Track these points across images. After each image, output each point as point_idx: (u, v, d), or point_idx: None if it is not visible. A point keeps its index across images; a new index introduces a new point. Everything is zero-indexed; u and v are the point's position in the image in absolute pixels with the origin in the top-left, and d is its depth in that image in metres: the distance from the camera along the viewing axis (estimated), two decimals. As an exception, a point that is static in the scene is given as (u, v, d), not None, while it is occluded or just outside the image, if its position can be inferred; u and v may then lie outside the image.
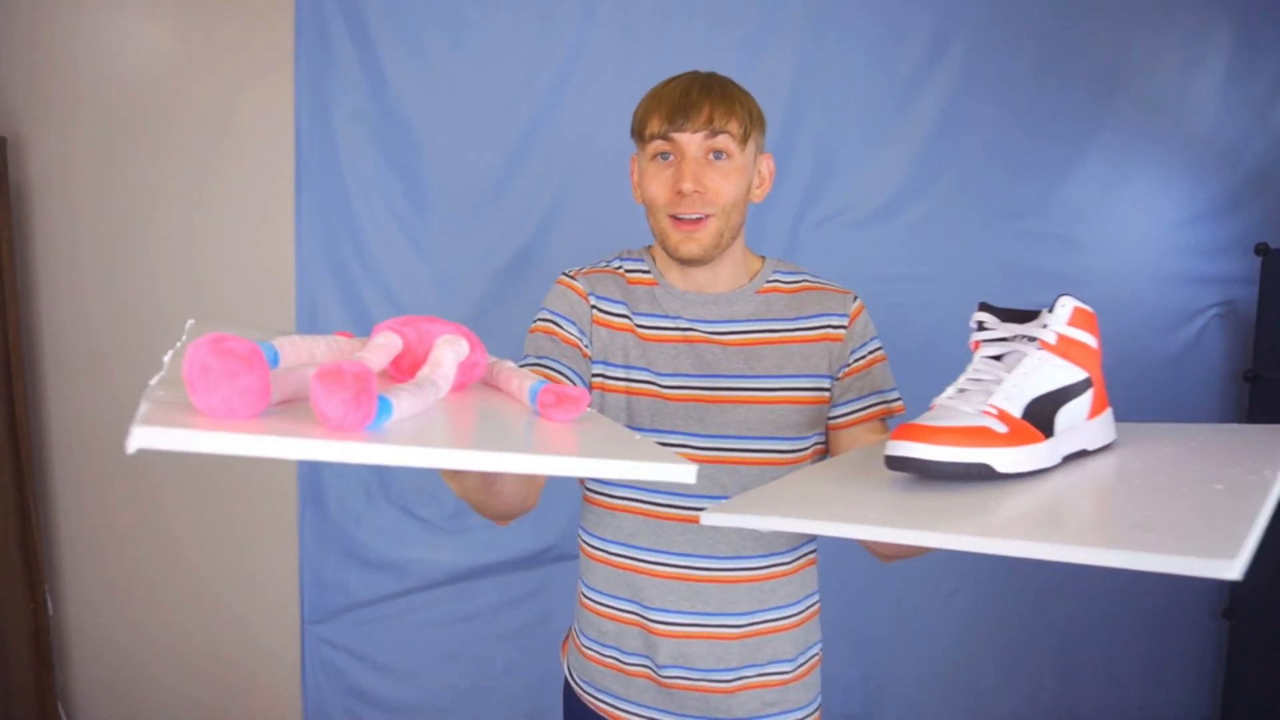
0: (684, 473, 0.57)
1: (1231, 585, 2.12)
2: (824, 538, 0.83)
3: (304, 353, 0.65)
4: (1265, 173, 2.07)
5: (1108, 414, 0.85)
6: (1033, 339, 0.79)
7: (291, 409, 0.55)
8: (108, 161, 1.86)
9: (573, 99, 1.90)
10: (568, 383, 1.03)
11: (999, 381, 0.76)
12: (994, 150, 2.00)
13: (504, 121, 1.89)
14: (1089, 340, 0.81)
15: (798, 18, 1.92)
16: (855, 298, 1.10)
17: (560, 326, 1.07)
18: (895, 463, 0.71)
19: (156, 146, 1.87)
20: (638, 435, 0.70)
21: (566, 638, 1.23)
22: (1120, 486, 0.74)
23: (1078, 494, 0.71)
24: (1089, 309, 0.82)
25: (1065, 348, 0.79)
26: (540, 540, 1.99)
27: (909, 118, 1.97)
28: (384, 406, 0.52)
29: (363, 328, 1.89)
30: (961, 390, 0.77)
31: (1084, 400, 0.80)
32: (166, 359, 0.61)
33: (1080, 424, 0.79)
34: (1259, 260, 2.03)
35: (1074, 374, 0.79)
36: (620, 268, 1.11)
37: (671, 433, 1.05)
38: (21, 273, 1.86)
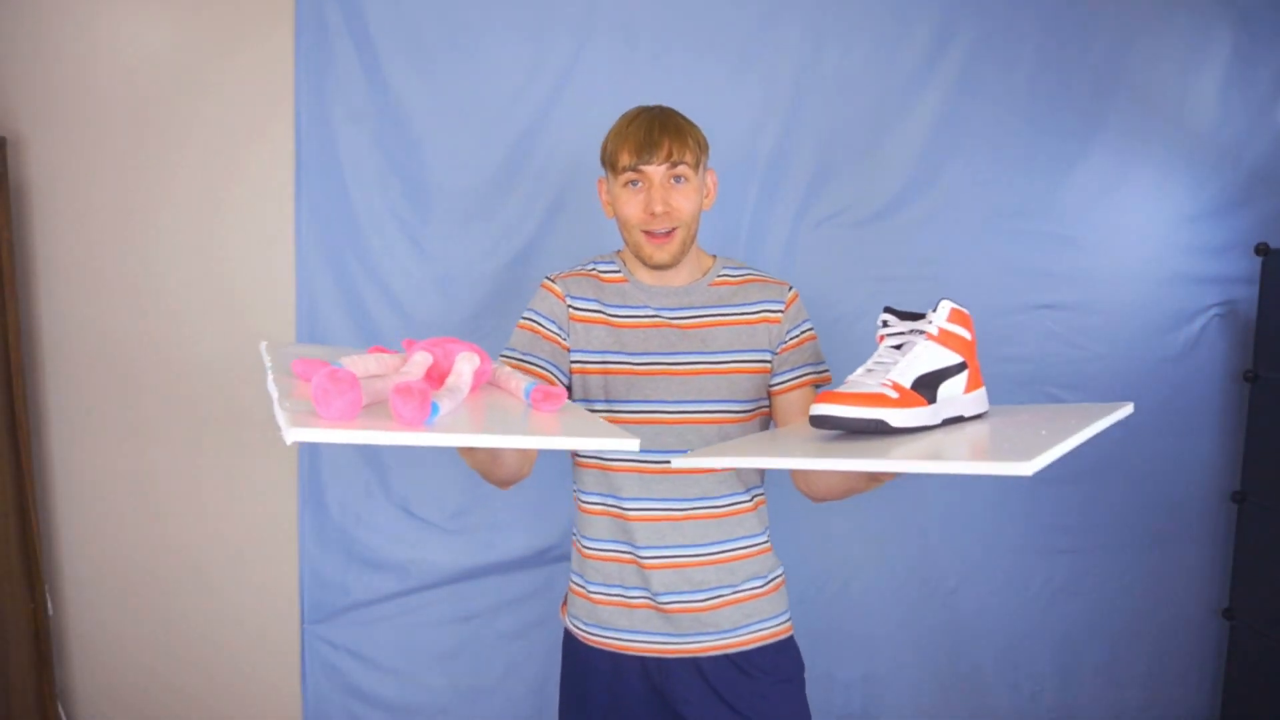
0: (630, 444, 0.88)
1: (1231, 585, 2.12)
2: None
3: (361, 368, 0.92)
4: (1265, 173, 2.07)
5: (981, 391, 1.11)
6: (921, 332, 1.06)
7: (372, 411, 0.82)
8: (108, 161, 1.86)
9: (572, 99, 1.90)
10: (551, 377, 1.29)
11: (895, 363, 1.03)
12: (994, 150, 2.00)
13: (504, 121, 1.89)
14: (964, 333, 1.08)
15: (798, 18, 1.92)
16: (790, 288, 1.35)
17: (542, 325, 1.32)
18: (816, 420, 0.96)
19: (156, 146, 1.87)
20: (599, 419, 1.01)
21: (564, 600, 1.42)
22: (976, 435, 1.01)
23: (945, 440, 0.98)
24: (964, 310, 1.09)
25: (945, 338, 1.05)
26: (540, 540, 1.99)
27: (909, 118, 1.97)
28: (434, 409, 0.81)
29: (362, 327, 1.90)
30: (869, 370, 1.04)
31: (960, 379, 1.06)
32: (271, 385, 0.87)
33: (958, 396, 1.05)
34: (1259, 260, 2.04)
35: (951, 358, 1.05)
36: (594, 269, 1.36)
37: (644, 401, 1.29)
38: (21, 272, 1.86)
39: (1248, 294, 2.07)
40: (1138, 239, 2.06)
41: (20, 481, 1.81)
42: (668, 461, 1.16)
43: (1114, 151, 2.03)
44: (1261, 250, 2.03)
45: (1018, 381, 2.02)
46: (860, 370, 1.04)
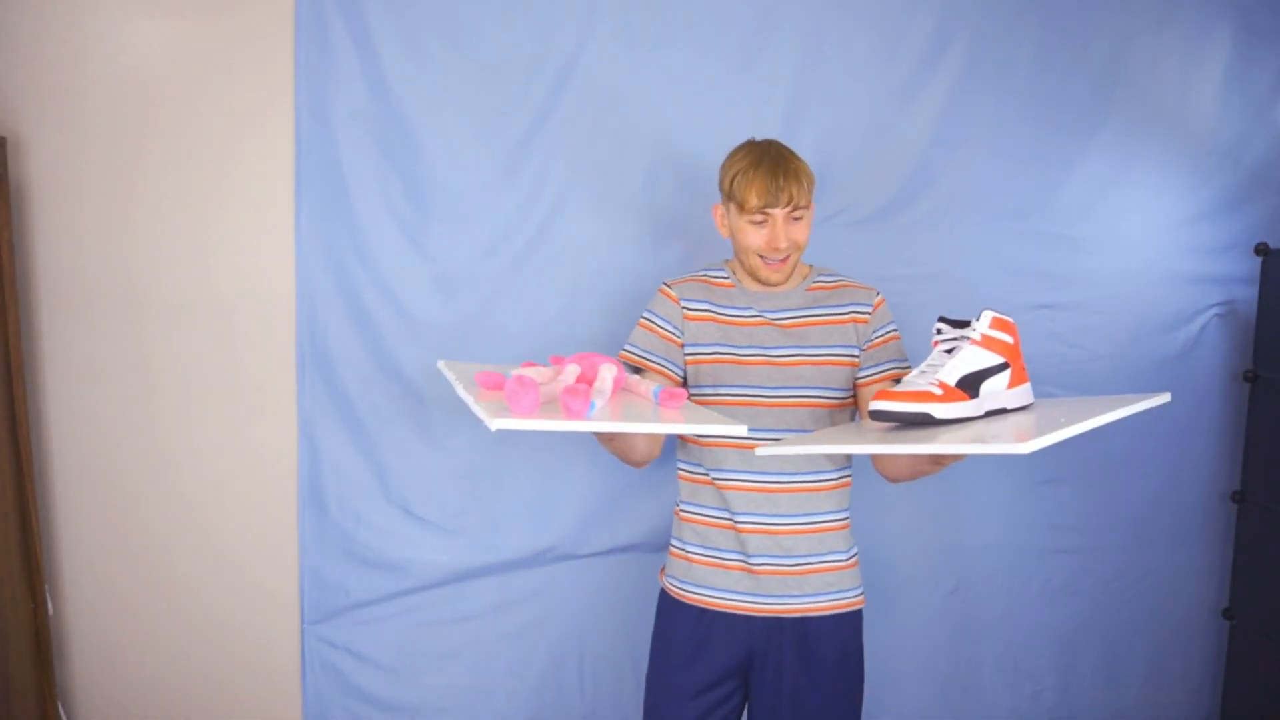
0: (739, 429, 1.16)
1: (1231, 585, 2.13)
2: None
3: (533, 376, 1.17)
4: (1265, 173, 2.07)
5: (1026, 386, 1.31)
6: (967, 338, 1.26)
7: (545, 409, 1.13)
8: (108, 161, 1.86)
9: (573, 99, 1.90)
10: (669, 373, 1.54)
11: (943, 365, 1.24)
12: (994, 150, 2.00)
13: (504, 121, 1.89)
14: (1006, 338, 1.28)
15: (798, 17, 1.92)
16: (878, 293, 1.57)
17: (659, 325, 1.55)
18: (874, 414, 1.20)
19: (156, 146, 1.87)
20: (714, 413, 1.35)
21: (662, 568, 1.63)
22: (1014, 423, 1.18)
23: (985, 428, 1.16)
24: (1007, 318, 1.28)
25: (988, 343, 1.26)
26: (540, 540, 1.99)
27: (909, 118, 1.97)
28: (593, 405, 1.12)
29: (362, 327, 1.90)
30: (922, 371, 1.26)
31: (1003, 376, 1.26)
32: (461, 392, 1.20)
33: (1001, 391, 1.26)
34: (1259, 260, 2.04)
35: (994, 359, 1.25)
36: (705, 275, 1.59)
37: (748, 386, 1.49)
38: (21, 273, 1.86)
39: (1248, 294, 2.07)
40: (1138, 239, 2.06)
41: (20, 481, 1.81)
42: (773, 440, 1.43)
43: (1114, 151, 2.03)
44: (1261, 250, 2.03)
45: (1018, 381, 2.01)
46: (915, 372, 1.26)
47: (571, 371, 1.23)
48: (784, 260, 1.48)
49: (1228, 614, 2.13)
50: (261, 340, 1.93)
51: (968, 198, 2.00)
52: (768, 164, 1.46)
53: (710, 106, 1.91)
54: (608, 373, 1.23)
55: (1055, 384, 2.04)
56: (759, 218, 1.46)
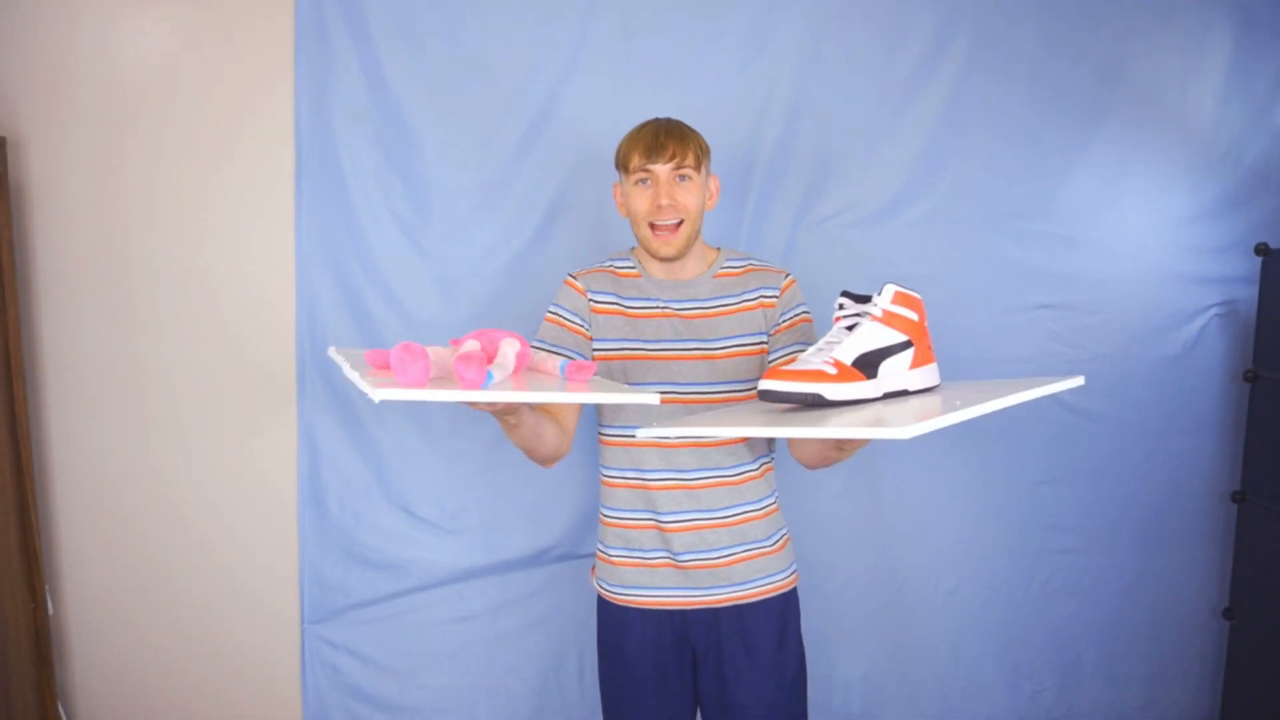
0: (651, 399, 1.11)
1: (1231, 585, 2.12)
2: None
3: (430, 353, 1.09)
4: (1265, 173, 2.06)
5: (931, 366, 1.21)
6: (868, 314, 1.17)
7: (438, 381, 1.06)
8: (108, 161, 1.86)
9: (573, 99, 1.90)
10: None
11: (840, 342, 1.14)
12: (994, 150, 1.99)
13: (504, 121, 1.89)
14: (910, 315, 1.18)
15: (798, 17, 1.92)
16: (787, 275, 1.52)
17: (566, 318, 1.50)
18: (762, 394, 1.10)
19: (157, 146, 1.87)
20: (622, 384, 1.32)
21: (593, 567, 1.60)
22: (914, 407, 1.08)
23: (876, 411, 1.07)
24: (912, 293, 1.19)
25: (889, 319, 1.16)
26: (540, 540, 1.99)
27: (909, 118, 1.97)
28: (489, 376, 1.05)
29: (362, 327, 1.90)
30: (818, 349, 1.16)
31: (905, 356, 1.16)
32: (348, 370, 1.08)
33: (902, 372, 1.16)
34: (1259, 260, 2.03)
35: (895, 337, 1.16)
36: (611, 265, 1.53)
37: (660, 382, 1.45)
38: (21, 273, 1.86)
39: (1248, 294, 2.07)
40: (1138, 239, 2.06)
41: (20, 481, 1.81)
42: (686, 438, 1.42)
43: (1114, 151, 2.03)
44: (1261, 250, 2.03)
45: (1018, 382, 2.01)
46: (811, 349, 1.18)
47: (470, 346, 1.13)
48: (673, 230, 1.43)
49: (1228, 614, 2.13)
50: (262, 340, 1.93)
51: (968, 198, 1.99)
52: (651, 125, 1.45)
53: (710, 108, 1.91)
54: (509, 347, 1.14)
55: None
56: (642, 175, 1.43)
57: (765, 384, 1.09)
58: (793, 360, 1.34)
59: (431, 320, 1.90)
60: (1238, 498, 2.10)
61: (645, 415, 1.44)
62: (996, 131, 1.99)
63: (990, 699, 2.14)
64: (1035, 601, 2.12)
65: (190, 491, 1.96)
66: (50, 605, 1.90)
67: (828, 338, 1.18)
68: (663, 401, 1.37)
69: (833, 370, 1.09)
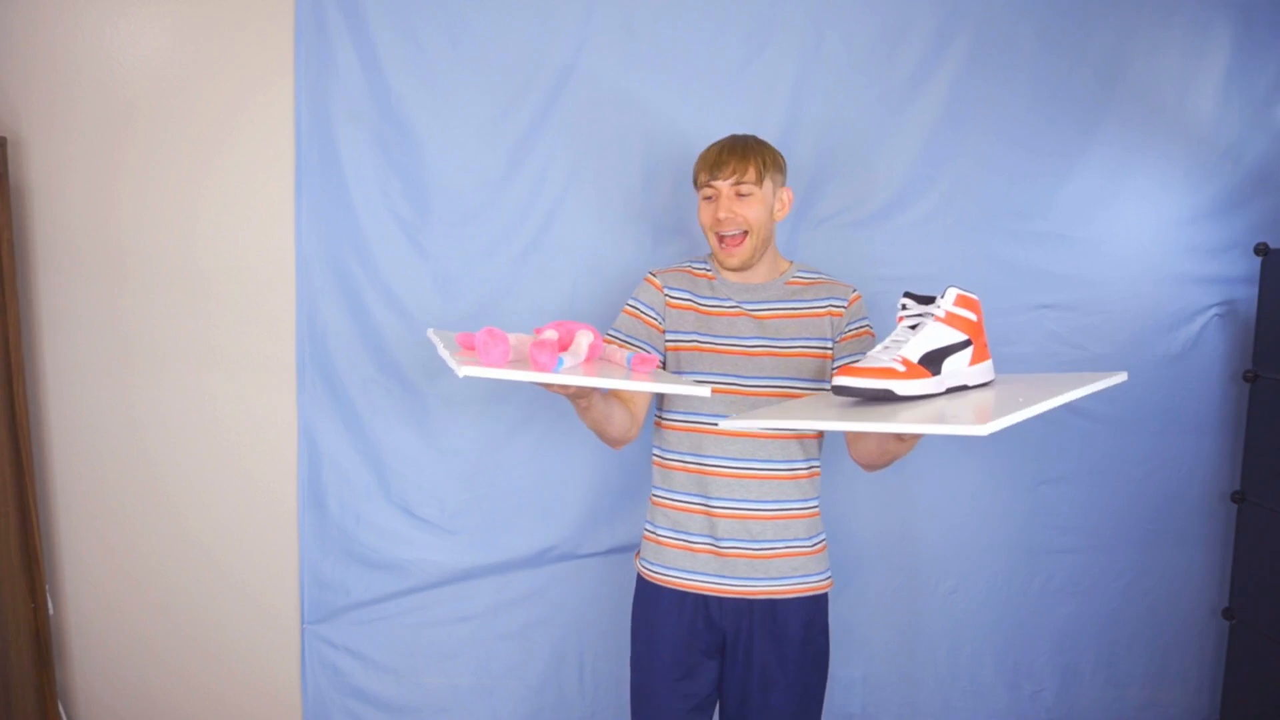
0: (702, 391, 1.26)
1: (1231, 585, 2.12)
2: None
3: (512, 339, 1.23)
4: (1265, 173, 2.07)
5: (987, 363, 1.31)
6: (931, 315, 1.25)
7: (516, 363, 1.18)
8: (108, 161, 1.86)
9: (573, 99, 1.90)
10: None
11: (907, 341, 1.23)
12: (994, 151, 1.99)
13: (504, 121, 1.89)
14: (970, 315, 1.28)
15: (798, 17, 1.92)
16: (854, 290, 1.61)
17: (642, 312, 1.61)
18: (836, 389, 1.18)
19: (157, 146, 1.87)
20: (683, 377, 1.49)
21: (636, 553, 1.67)
22: (975, 401, 1.18)
23: (947, 405, 1.16)
24: (971, 295, 1.28)
25: (951, 320, 1.25)
26: (540, 540, 1.99)
27: (909, 118, 1.97)
28: (560, 361, 1.18)
29: (363, 327, 1.90)
30: (885, 347, 1.24)
31: (965, 354, 1.25)
32: (441, 351, 1.22)
33: (962, 369, 1.25)
34: (1259, 260, 2.03)
35: (956, 336, 1.25)
36: (689, 266, 1.65)
37: (723, 374, 1.55)
38: (21, 273, 1.86)
39: (1247, 294, 2.07)
40: (1138, 239, 2.06)
41: (20, 481, 1.81)
42: (718, 422, 1.42)
43: (1114, 151, 2.03)
44: (1261, 250, 2.03)
45: (1018, 381, 2.01)
46: (879, 347, 1.25)
47: (548, 335, 1.28)
48: (738, 241, 1.54)
49: (1228, 614, 2.13)
50: (262, 340, 1.93)
51: (968, 198, 1.99)
52: (719, 143, 1.57)
53: (710, 109, 1.91)
54: (584, 338, 1.27)
55: (1055, 384, 2.04)
56: (708, 192, 1.55)
57: (840, 380, 1.17)
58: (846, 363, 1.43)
59: (431, 320, 1.90)
60: (1237, 498, 2.10)
61: (708, 405, 1.52)
62: (996, 131, 1.99)
63: (990, 699, 2.14)
64: (1035, 601, 2.12)
65: (191, 491, 1.96)
66: (50, 605, 1.90)
67: (893, 336, 1.26)
68: (719, 392, 1.51)
69: (901, 368, 1.17)
